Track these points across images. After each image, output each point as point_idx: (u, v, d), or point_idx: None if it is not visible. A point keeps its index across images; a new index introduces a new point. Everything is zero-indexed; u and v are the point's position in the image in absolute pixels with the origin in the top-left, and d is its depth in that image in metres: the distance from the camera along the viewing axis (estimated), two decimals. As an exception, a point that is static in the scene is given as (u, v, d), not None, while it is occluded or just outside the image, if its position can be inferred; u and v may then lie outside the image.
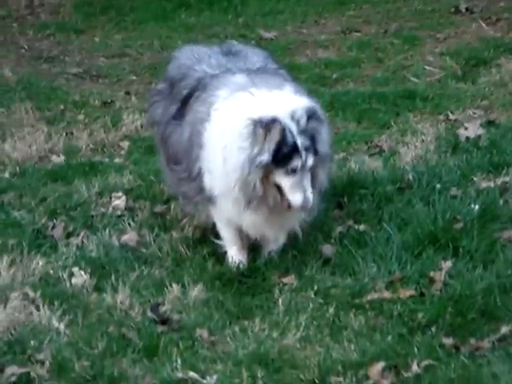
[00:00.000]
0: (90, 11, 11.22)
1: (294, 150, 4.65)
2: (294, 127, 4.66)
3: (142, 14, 11.14)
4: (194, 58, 5.40)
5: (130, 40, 10.33)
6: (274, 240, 5.05)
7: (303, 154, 4.65)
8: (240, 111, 4.76)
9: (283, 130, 4.63)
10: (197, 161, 4.99)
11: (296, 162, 4.66)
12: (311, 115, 4.71)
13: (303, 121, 4.68)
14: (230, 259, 5.08)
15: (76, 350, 4.38)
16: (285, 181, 4.70)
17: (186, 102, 5.19)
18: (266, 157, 4.65)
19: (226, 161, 4.77)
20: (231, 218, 5.00)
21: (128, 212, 5.81)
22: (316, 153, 4.73)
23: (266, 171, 4.69)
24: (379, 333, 4.43)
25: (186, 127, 5.12)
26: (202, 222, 5.34)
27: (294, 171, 4.68)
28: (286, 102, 4.75)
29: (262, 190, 4.72)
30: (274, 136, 4.63)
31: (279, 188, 4.75)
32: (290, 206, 4.75)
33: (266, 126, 4.63)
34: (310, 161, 4.69)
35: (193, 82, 5.21)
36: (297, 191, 4.67)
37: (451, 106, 7.46)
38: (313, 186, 4.78)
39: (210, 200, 5.01)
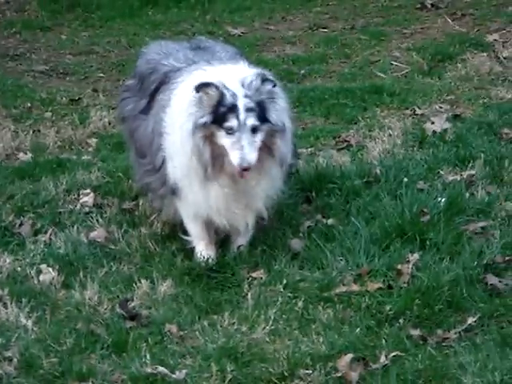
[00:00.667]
0: (56, 8, 11.15)
1: (231, 110, 4.73)
2: (239, 90, 4.74)
3: (108, 12, 11.10)
4: (162, 53, 5.44)
5: (97, 37, 10.30)
6: (244, 226, 5.05)
7: (242, 113, 4.72)
8: (193, 86, 4.85)
9: (222, 91, 4.73)
10: (159, 150, 5.04)
11: (231, 122, 4.73)
12: (262, 81, 4.79)
13: (252, 85, 4.76)
14: (199, 254, 5.08)
15: (44, 346, 4.37)
16: (225, 141, 4.77)
17: (153, 96, 5.21)
18: (205, 118, 4.76)
19: (182, 138, 4.85)
20: (198, 210, 5.02)
21: (96, 209, 5.80)
22: (264, 120, 4.77)
23: (210, 133, 4.77)
24: (347, 325, 4.46)
25: (151, 119, 5.16)
26: (171, 218, 5.34)
27: (231, 130, 4.74)
28: (237, 71, 4.88)
29: (208, 152, 4.78)
30: (211, 97, 4.75)
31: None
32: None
33: (202, 88, 4.75)
34: (250, 121, 4.73)
35: (160, 76, 5.25)
36: (234, 150, 4.73)
37: (418, 101, 7.51)
38: (271, 156, 4.86)
39: (174, 193, 5.04)
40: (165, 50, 5.45)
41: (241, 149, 4.70)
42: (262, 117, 4.78)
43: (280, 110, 4.88)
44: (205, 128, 4.78)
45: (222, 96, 4.74)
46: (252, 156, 4.71)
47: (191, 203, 5.00)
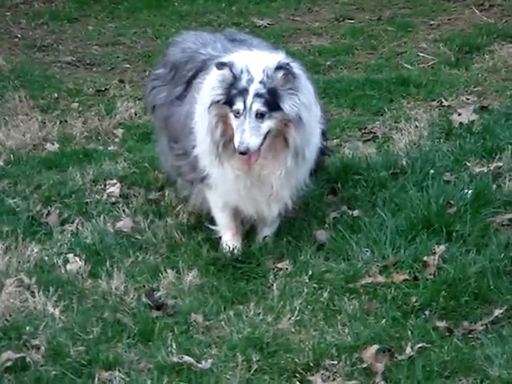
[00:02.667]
0: (83, -1, 11.22)
1: (241, 93, 4.73)
2: (258, 76, 4.74)
3: (135, 2, 11.13)
4: (199, 43, 5.47)
5: (123, 28, 10.33)
6: (269, 215, 5.05)
7: (250, 98, 4.71)
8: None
9: (235, 74, 4.74)
10: (190, 133, 5.06)
11: (238, 105, 4.73)
12: (276, 68, 4.75)
13: (269, 72, 4.74)
14: (225, 245, 5.10)
15: (71, 335, 4.40)
16: (234, 123, 4.78)
17: (190, 82, 5.23)
18: (219, 97, 4.80)
19: (202, 112, 4.91)
20: (227, 199, 5.03)
21: (122, 199, 5.83)
22: (275, 107, 4.73)
23: (223, 112, 4.79)
24: (373, 316, 4.46)
25: (186, 104, 5.17)
26: (197, 208, 5.35)
27: (238, 114, 4.74)
28: (269, 58, 4.86)
29: (220, 131, 4.82)
30: (225, 77, 4.78)
31: None
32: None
33: (220, 66, 4.79)
34: (256, 106, 4.71)
35: (198, 64, 5.26)
36: (237, 133, 4.73)
37: (444, 92, 7.48)
38: (287, 147, 4.82)
39: (203, 181, 5.05)
40: (201, 40, 5.47)
41: (242, 132, 4.70)
42: (274, 104, 4.75)
43: (298, 104, 4.80)
44: (219, 107, 4.80)
45: (235, 78, 4.75)
46: (252, 141, 4.69)
47: (220, 189, 5.00)
